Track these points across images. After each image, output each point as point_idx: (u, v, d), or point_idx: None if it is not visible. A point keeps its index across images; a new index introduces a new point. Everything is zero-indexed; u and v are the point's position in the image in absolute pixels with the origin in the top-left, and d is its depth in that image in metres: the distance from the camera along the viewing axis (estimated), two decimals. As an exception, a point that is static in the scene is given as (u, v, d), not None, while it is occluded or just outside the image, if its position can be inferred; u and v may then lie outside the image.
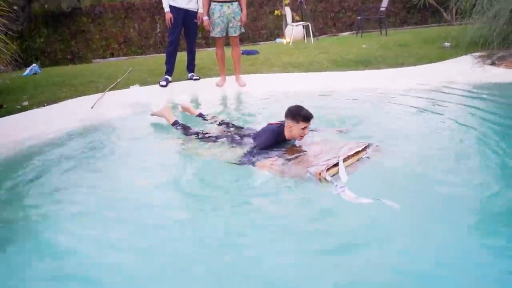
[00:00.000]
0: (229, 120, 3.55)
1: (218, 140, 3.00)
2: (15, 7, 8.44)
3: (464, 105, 3.76)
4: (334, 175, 2.27)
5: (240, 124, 3.42)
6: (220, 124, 3.40)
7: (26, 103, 4.50)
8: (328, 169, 2.28)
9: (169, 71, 5.18)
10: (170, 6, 4.86)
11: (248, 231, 1.93)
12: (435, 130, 3.14)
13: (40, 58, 10.52)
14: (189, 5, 4.91)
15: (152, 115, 3.68)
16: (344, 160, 2.39)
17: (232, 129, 3.22)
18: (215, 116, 3.68)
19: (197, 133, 3.17)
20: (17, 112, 4.19)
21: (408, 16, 12.25)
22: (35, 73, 6.74)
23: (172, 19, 4.87)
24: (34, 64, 7.20)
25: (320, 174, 2.24)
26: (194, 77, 5.29)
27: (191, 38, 5.22)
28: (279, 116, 2.91)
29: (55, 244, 1.90)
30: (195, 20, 4.99)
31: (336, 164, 2.33)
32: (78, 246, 1.88)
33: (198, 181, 2.54)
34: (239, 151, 2.77)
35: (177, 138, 3.24)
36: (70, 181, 2.61)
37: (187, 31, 5.11)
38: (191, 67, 5.33)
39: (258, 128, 3.02)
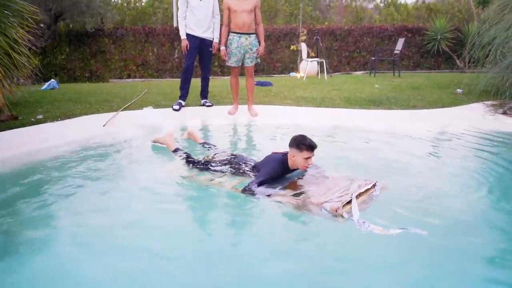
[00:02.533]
0: (233, 150, 3.52)
1: (219, 169, 2.96)
2: (42, 25, 8.78)
3: (474, 150, 3.73)
4: (348, 211, 2.27)
5: (246, 154, 3.40)
6: (222, 154, 3.31)
7: (41, 116, 4.58)
8: (343, 206, 2.29)
9: (183, 96, 5.29)
10: (187, 34, 5.02)
11: (270, 270, 1.84)
12: (440, 173, 3.13)
13: (59, 74, 10.81)
14: (205, 34, 5.07)
15: (153, 142, 3.68)
16: (356, 197, 2.40)
17: (235, 159, 3.13)
18: (217, 147, 3.59)
19: (198, 162, 3.11)
20: (31, 125, 4.26)
21: (421, 60, 12.45)
22: (53, 88, 6.92)
23: (188, 46, 5.01)
24: (52, 80, 7.40)
25: (336, 210, 2.25)
26: (207, 104, 5.38)
27: (206, 66, 5.33)
28: (285, 147, 2.91)
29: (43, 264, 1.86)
30: (210, 49, 5.14)
31: (350, 201, 2.34)
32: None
33: (205, 211, 2.51)
34: (241, 181, 2.77)
35: (180, 165, 3.18)
36: (67, 198, 2.59)
37: (202, 59, 5.25)
38: (204, 93, 5.44)
39: (259, 158, 3.01)
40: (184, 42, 5.02)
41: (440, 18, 11.89)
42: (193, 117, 5.01)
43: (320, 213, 2.29)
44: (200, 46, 5.08)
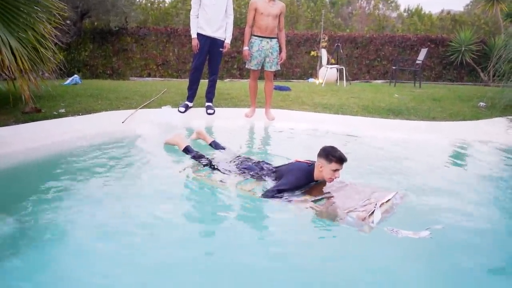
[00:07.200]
0: (247, 153, 3.48)
1: (232, 170, 2.93)
2: (68, 21, 8.99)
3: (493, 164, 3.64)
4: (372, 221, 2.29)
5: (259, 157, 3.37)
6: (234, 154, 3.29)
7: (63, 110, 4.69)
8: (369, 215, 2.29)
9: (191, 97, 5.21)
10: (198, 34, 4.92)
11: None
12: (457, 185, 3.08)
13: (82, 70, 11.03)
14: (216, 33, 4.95)
15: (165, 143, 3.69)
16: (380, 206, 2.40)
17: (247, 161, 3.08)
18: (227, 147, 3.50)
19: (210, 162, 3.07)
20: (53, 118, 4.37)
21: (443, 72, 12.23)
22: (75, 84, 7.06)
23: (199, 45, 4.93)
24: (76, 75, 7.55)
25: (364, 219, 2.26)
26: (209, 111, 5.16)
27: (215, 66, 5.19)
28: (300, 153, 2.89)
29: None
30: (220, 49, 5.04)
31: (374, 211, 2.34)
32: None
33: (222, 213, 2.50)
34: (258, 184, 2.74)
35: (191, 165, 3.15)
36: (78, 191, 2.66)
37: (211, 59, 5.12)
38: (210, 96, 5.27)
39: (274, 162, 2.98)
40: (195, 42, 4.91)
41: (466, 30, 11.67)
42: (209, 117, 5.03)
43: (346, 221, 2.27)
44: (211, 45, 4.97)
